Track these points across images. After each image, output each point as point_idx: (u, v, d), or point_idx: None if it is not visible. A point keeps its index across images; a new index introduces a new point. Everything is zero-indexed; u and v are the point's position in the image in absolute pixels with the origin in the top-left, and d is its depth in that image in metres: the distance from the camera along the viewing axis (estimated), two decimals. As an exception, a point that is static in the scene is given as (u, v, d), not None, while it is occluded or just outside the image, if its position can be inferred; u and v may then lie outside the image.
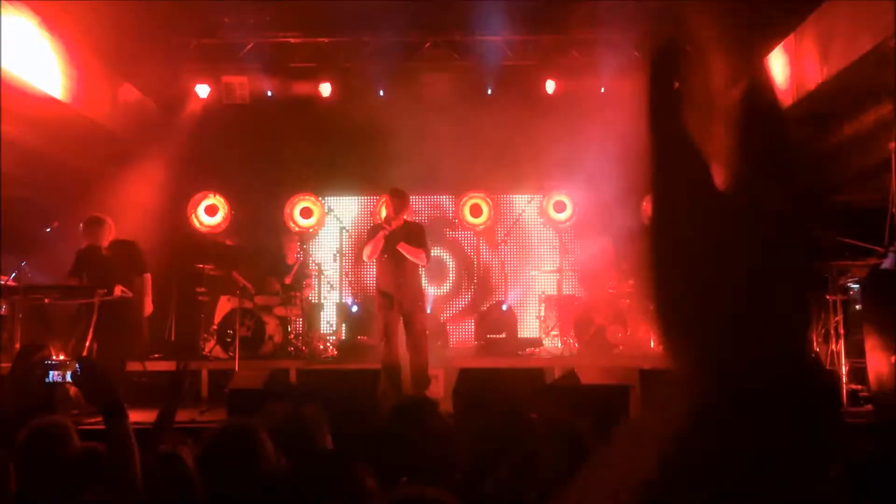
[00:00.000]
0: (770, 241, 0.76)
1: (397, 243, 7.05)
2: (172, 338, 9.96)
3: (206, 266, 9.33)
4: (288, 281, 9.47)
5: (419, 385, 7.03)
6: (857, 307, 6.20)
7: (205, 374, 8.20)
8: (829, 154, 8.75)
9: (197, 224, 10.62)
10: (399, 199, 7.23)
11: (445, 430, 2.78)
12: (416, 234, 7.23)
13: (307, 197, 10.96)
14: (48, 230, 7.86)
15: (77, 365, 2.50)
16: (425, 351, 7.12)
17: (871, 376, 5.55)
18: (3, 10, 6.87)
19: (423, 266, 7.32)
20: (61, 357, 6.81)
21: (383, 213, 10.60)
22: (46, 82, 7.71)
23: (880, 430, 5.07)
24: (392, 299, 7.09)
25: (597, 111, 9.76)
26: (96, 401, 2.43)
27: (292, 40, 9.85)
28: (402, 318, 7.14)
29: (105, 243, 7.46)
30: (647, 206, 11.17)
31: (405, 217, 7.29)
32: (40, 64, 7.60)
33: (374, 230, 7.30)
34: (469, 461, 2.52)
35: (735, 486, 0.75)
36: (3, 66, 6.96)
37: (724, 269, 0.76)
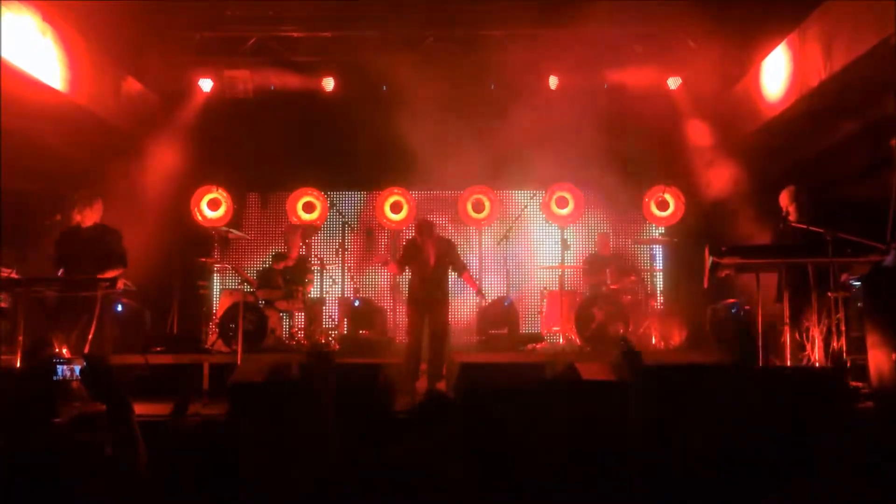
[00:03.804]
0: None
1: (440, 265, 8.01)
2: (174, 331, 9.99)
3: (208, 259, 9.34)
4: (290, 275, 9.49)
5: (433, 378, 7.74)
6: (859, 304, 6.20)
7: (206, 367, 8.22)
8: (831, 150, 8.74)
9: (199, 218, 10.62)
10: (430, 229, 8.16)
11: None
12: (451, 251, 8.26)
13: (310, 191, 10.97)
14: (50, 223, 7.85)
15: (84, 361, 2.51)
16: (445, 349, 7.96)
17: (873, 373, 5.55)
18: (5, 4, 6.88)
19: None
20: (64, 351, 6.83)
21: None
22: (49, 75, 7.72)
23: (881, 427, 5.07)
24: (423, 306, 7.99)
25: (598, 107, 9.78)
26: (102, 397, 2.44)
27: (295, 34, 9.85)
28: (427, 318, 7.94)
29: (89, 224, 7.30)
30: (648, 201, 11.22)
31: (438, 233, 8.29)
32: (43, 57, 7.61)
33: (410, 246, 8.27)
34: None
35: None
36: (5, 58, 6.97)
37: None
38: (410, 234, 9.71)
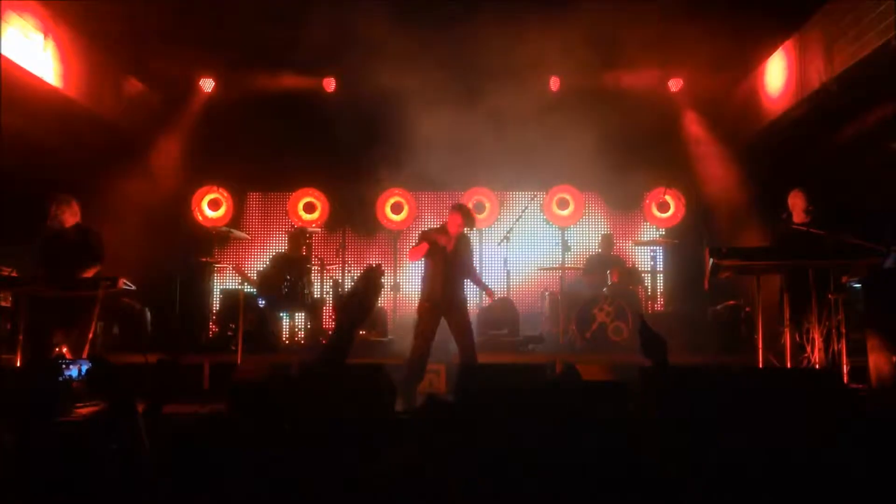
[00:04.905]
0: None
1: (456, 260, 7.28)
2: (175, 331, 9.98)
3: (209, 259, 9.34)
4: (291, 275, 9.48)
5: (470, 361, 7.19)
6: (859, 306, 6.21)
7: (206, 367, 8.21)
8: (832, 153, 8.75)
9: (200, 217, 10.63)
10: (468, 217, 7.40)
11: None
12: (469, 249, 7.55)
13: (310, 191, 10.97)
14: (50, 223, 7.84)
15: (90, 362, 2.52)
16: (472, 338, 7.30)
17: (873, 375, 5.57)
18: (6, 3, 6.89)
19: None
20: (64, 350, 6.84)
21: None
22: (50, 74, 7.73)
23: (881, 429, 5.08)
24: (442, 309, 7.24)
25: (599, 108, 9.77)
26: (107, 397, 2.44)
27: (296, 35, 9.83)
28: (446, 320, 7.26)
29: (71, 224, 7.35)
30: (649, 202, 11.20)
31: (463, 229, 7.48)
32: (44, 57, 7.62)
33: (425, 236, 7.37)
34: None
35: None
36: (6, 56, 6.98)
37: None
38: (412, 233, 9.69)
